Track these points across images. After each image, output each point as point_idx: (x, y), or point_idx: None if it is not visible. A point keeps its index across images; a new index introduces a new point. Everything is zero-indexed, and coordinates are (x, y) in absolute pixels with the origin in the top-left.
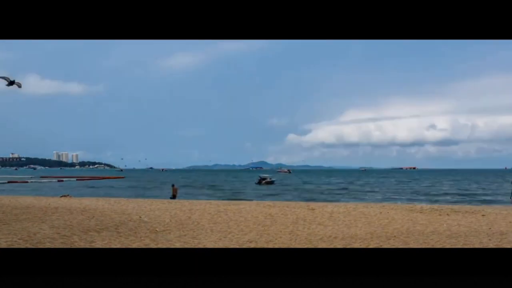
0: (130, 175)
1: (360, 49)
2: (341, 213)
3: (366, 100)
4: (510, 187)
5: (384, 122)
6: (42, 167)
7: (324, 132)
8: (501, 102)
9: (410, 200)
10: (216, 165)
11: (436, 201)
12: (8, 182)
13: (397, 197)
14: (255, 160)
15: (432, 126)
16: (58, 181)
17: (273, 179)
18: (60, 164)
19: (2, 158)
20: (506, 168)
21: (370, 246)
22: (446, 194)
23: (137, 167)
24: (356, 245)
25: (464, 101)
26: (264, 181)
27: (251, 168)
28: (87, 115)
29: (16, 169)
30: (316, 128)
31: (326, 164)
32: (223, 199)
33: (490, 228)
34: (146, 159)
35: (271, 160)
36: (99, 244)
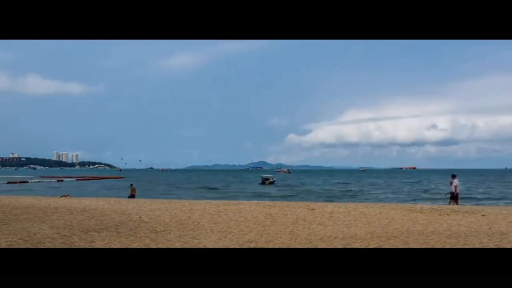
0: (129, 175)
1: (360, 49)
2: (341, 213)
3: (366, 100)
4: (448, 189)
5: (384, 122)
6: (42, 167)
7: (324, 132)
8: (501, 102)
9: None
10: (216, 165)
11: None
12: (8, 182)
13: (397, 196)
14: (255, 160)
15: (432, 126)
16: (58, 181)
17: (274, 179)
18: (60, 164)
19: (2, 158)
20: (506, 168)
21: (370, 246)
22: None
23: (137, 167)
24: (356, 245)
25: (464, 101)
26: (267, 181)
27: (251, 168)
28: (87, 115)
29: (16, 169)
30: (316, 128)
31: (326, 164)
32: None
33: (490, 228)
34: (140, 160)
35: (271, 160)
36: (99, 244)
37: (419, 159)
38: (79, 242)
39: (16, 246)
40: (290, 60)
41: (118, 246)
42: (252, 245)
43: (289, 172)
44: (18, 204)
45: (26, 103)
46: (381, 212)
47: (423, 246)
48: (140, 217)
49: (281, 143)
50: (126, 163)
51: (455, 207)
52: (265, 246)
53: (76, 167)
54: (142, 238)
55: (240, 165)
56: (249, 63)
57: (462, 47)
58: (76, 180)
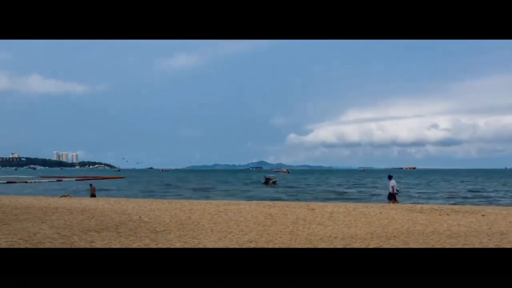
0: (129, 175)
1: (361, 49)
2: (341, 213)
3: (367, 100)
4: (388, 189)
5: (386, 122)
6: (42, 167)
7: (325, 132)
8: (502, 102)
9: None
10: (216, 165)
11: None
12: (8, 182)
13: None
14: (255, 160)
15: (433, 126)
16: (58, 181)
17: (276, 179)
18: (60, 164)
19: (2, 158)
20: (506, 168)
21: (370, 246)
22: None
23: (137, 167)
24: (356, 245)
25: (466, 101)
26: (271, 181)
27: (251, 168)
28: (87, 115)
29: (15, 169)
30: (317, 128)
31: (326, 164)
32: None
33: (490, 228)
34: (138, 163)
35: (272, 160)
36: (99, 244)
37: (420, 159)
38: (79, 242)
39: (16, 246)
40: (291, 60)
41: (118, 246)
42: (252, 245)
43: (288, 172)
44: (18, 204)
45: (26, 103)
46: (381, 212)
47: (423, 246)
48: (140, 217)
49: (282, 143)
50: (127, 161)
51: (455, 207)
52: (265, 246)
53: (76, 167)
54: (142, 238)
55: (240, 165)
56: (250, 63)
57: (463, 47)
58: (76, 180)
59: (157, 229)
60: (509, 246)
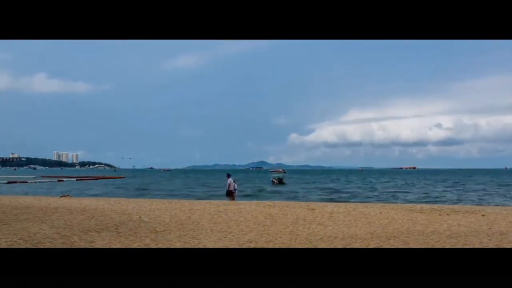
0: (128, 176)
1: (363, 49)
2: (341, 213)
3: (368, 99)
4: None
5: (386, 122)
6: (42, 167)
7: (326, 132)
8: (502, 102)
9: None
10: (216, 165)
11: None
12: (8, 182)
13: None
14: (255, 160)
15: (436, 126)
16: (58, 181)
17: (283, 178)
18: (60, 164)
19: (2, 158)
20: (506, 168)
21: (370, 246)
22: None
23: (137, 167)
24: (356, 245)
25: (466, 101)
26: (280, 181)
27: (251, 168)
28: (88, 115)
29: (15, 169)
30: (319, 128)
31: (327, 164)
32: None
33: (490, 228)
34: (134, 166)
35: (272, 160)
36: (99, 244)
37: (420, 159)
38: (79, 242)
39: (16, 246)
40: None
41: (118, 246)
42: (252, 245)
43: (284, 172)
44: (18, 204)
45: (27, 103)
46: (381, 212)
47: (423, 246)
48: (140, 217)
49: (283, 143)
50: (130, 158)
51: (455, 207)
52: (265, 246)
53: (76, 167)
54: (142, 238)
55: (240, 165)
56: (251, 63)
57: (464, 47)
58: (76, 180)
59: (157, 229)
60: (509, 246)
